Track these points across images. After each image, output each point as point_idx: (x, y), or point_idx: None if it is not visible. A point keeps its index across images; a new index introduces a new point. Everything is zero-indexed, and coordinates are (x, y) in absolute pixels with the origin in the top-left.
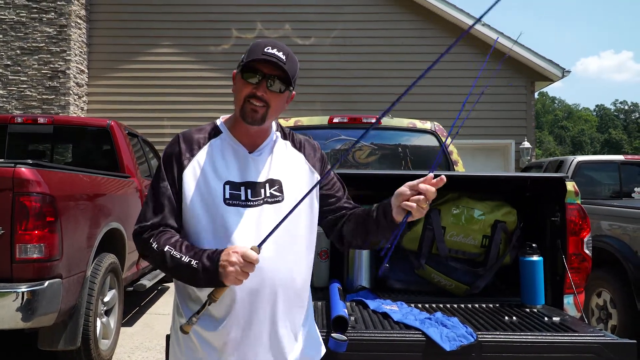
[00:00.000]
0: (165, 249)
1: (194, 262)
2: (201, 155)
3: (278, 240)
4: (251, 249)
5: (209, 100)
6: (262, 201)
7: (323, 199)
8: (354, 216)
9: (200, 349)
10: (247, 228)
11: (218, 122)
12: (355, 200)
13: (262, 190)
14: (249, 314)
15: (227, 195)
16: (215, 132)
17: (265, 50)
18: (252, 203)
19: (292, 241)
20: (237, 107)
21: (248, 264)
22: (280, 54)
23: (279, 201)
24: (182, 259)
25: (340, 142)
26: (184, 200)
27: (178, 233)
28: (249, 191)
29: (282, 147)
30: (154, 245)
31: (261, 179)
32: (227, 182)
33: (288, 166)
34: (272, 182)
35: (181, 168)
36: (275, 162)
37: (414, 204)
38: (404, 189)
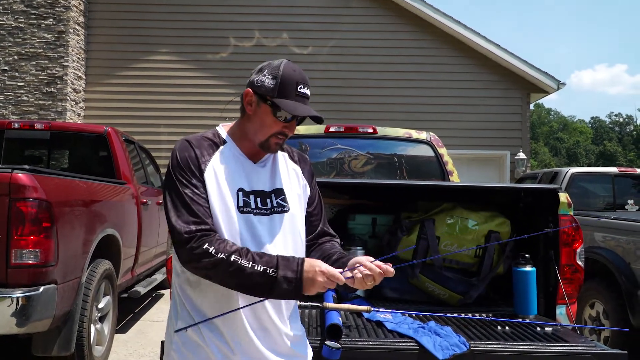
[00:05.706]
0: (231, 258)
1: (270, 271)
2: (214, 161)
3: (291, 247)
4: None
5: (206, 108)
6: (271, 210)
7: (306, 216)
8: (321, 250)
9: (209, 349)
10: (261, 236)
11: (221, 132)
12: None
13: (269, 200)
14: (258, 315)
15: (241, 203)
16: (221, 140)
17: (299, 89)
18: (262, 211)
19: (298, 249)
20: (258, 136)
21: (332, 282)
22: (309, 92)
23: (285, 211)
24: (256, 267)
25: (336, 151)
26: (210, 204)
27: None
28: (258, 200)
29: (282, 159)
30: (212, 251)
31: (268, 188)
32: (239, 190)
33: (288, 178)
34: (278, 192)
35: (201, 171)
36: (277, 173)
37: (359, 275)
38: (361, 259)
